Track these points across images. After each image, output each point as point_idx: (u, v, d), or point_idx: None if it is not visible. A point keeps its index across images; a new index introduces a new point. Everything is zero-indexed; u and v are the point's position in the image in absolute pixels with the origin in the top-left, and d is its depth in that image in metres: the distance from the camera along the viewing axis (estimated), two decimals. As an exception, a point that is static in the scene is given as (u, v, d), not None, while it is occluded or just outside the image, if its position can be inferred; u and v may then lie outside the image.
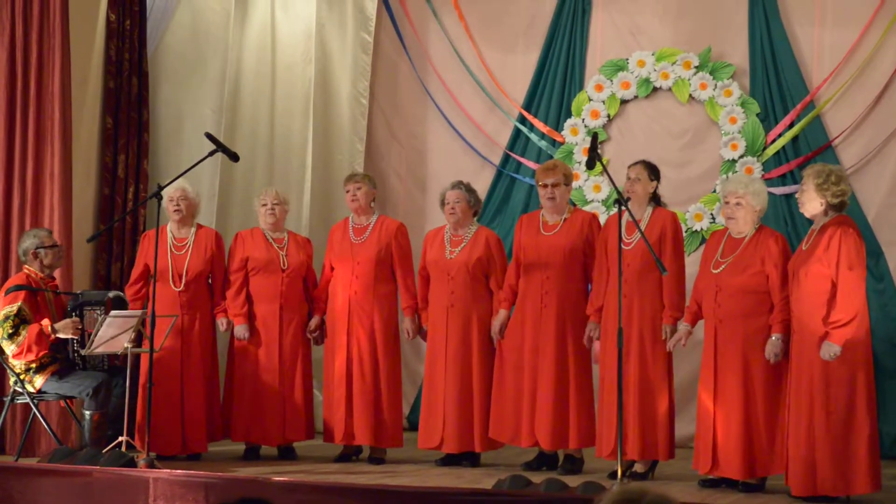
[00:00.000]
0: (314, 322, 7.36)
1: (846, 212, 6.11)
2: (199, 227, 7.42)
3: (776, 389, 6.16)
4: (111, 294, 7.25)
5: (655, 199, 6.72)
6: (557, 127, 8.91)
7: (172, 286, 7.16)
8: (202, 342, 7.23)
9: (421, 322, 7.23)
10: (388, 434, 7.16)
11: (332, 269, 7.34)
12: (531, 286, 6.85)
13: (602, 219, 7.98)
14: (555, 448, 6.81)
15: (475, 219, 7.25)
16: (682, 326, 6.48)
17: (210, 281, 7.36)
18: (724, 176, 8.26)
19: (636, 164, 6.75)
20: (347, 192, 7.36)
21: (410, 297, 7.24)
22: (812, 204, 6.06)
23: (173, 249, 7.25)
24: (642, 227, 6.46)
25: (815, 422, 5.85)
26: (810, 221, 6.39)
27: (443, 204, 7.21)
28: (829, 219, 6.02)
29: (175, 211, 7.25)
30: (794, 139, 8.28)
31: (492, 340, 7.00)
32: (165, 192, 7.04)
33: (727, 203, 6.38)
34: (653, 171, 6.72)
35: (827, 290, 5.87)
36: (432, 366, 7.09)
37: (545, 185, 6.88)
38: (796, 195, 6.29)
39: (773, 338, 6.13)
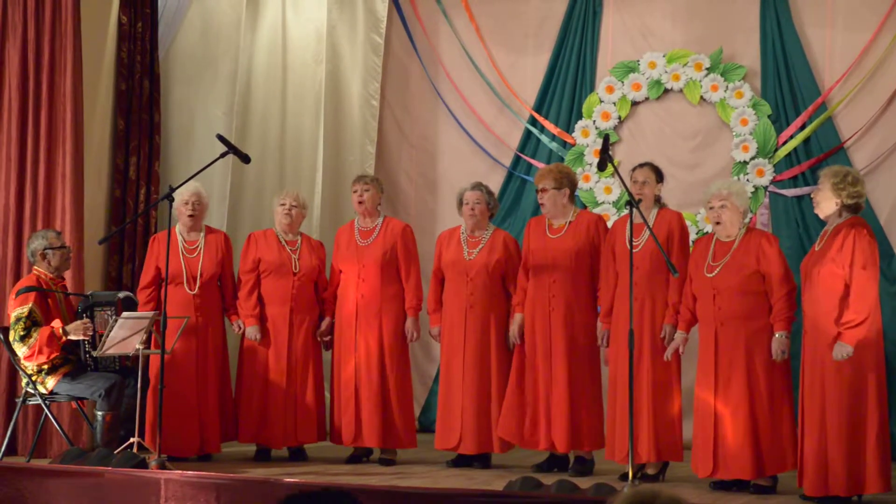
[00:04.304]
0: (325, 324, 7.35)
1: (860, 214, 6.09)
2: (209, 229, 7.43)
3: (780, 387, 6.18)
4: (121, 294, 7.26)
5: (658, 201, 6.73)
6: (568, 129, 8.90)
7: (187, 289, 7.17)
8: (215, 344, 7.25)
9: (431, 323, 7.22)
10: (399, 436, 7.15)
11: (340, 271, 7.35)
12: (539, 290, 6.84)
13: (613, 220, 7.95)
14: (570, 450, 6.80)
15: (490, 221, 7.25)
16: (678, 334, 6.47)
17: (220, 283, 7.36)
18: (736, 178, 8.24)
19: (643, 166, 6.73)
20: (354, 192, 7.36)
21: (414, 297, 7.23)
22: (827, 203, 6.04)
23: (185, 252, 7.25)
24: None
25: (828, 422, 5.84)
26: (822, 223, 6.38)
27: (460, 204, 7.19)
28: (842, 220, 6.01)
29: (190, 215, 7.25)
30: (806, 141, 8.27)
31: (508, 341, 6.99)
32: (179, 195, 7.05)
33: (711, 207, 6.37)
34: (659, 174, 6.72)
35: (840, 291, 5.86)
36: (449, 366, 7.08)
37: (537, 190, 6.93)
38: (811, 195, 6.27)
39: (777, 335, 6.13)
